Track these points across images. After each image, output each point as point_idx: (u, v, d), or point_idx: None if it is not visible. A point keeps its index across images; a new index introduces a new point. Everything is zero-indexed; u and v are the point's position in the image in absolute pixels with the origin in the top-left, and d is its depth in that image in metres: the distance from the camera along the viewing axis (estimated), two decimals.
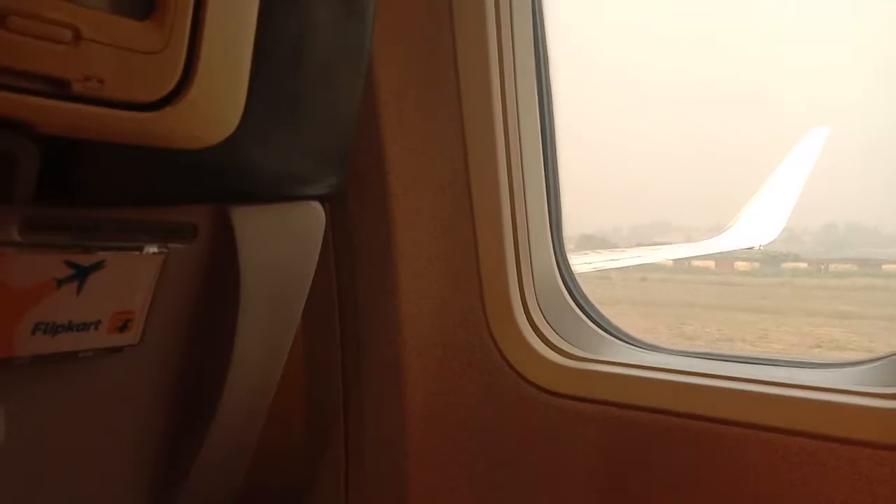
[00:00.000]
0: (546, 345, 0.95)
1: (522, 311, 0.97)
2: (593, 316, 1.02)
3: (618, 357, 0.93)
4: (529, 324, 0.97)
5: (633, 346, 0.98)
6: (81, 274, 0.66)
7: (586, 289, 1.05)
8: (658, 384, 0.85)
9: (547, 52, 1.06)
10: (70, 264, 0.65)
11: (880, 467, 0.72)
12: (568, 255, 1.08)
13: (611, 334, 1.00)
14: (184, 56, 0.61)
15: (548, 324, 0.98)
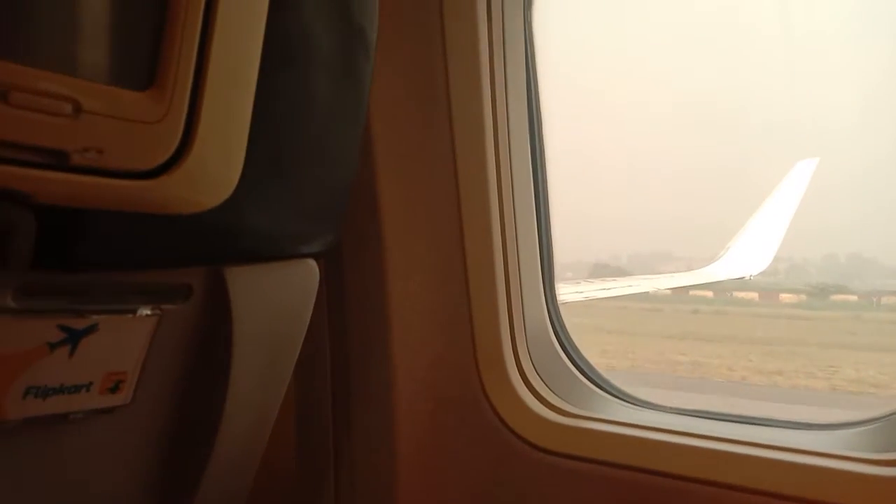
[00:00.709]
0: (539, 400, 0.95)
1: (515, 366, 0.97)
2: (586, 371, 1.02)
3: (611, 414, 0.93)
4: (522, 379, 0.97)
5: (626, 403, 0.98)
6: (74, 338, 0.66)
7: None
8: (650, 444, 0.85)
9: (540, 110, 1.07)
10: (63, 328, 0.65)
11: None
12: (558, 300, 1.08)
13: (604, 390, 1.00)
14: (182, 124, 0.62)
15: (541, 379, 0.98)
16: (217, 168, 0.66)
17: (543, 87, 1.12)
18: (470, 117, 0.97)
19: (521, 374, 0.97)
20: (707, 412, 0.92)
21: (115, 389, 0.72)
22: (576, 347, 1.04)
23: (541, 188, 1.08)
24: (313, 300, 0.83)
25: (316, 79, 0.73)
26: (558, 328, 1.04)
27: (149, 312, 0.70)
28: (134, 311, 0.69)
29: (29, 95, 0.52)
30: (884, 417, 0.83)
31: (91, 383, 0.69)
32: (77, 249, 0.61)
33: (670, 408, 0.95)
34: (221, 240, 0.70)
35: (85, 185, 0.57)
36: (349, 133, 0.79)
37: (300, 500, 1.05)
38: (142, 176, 0.61)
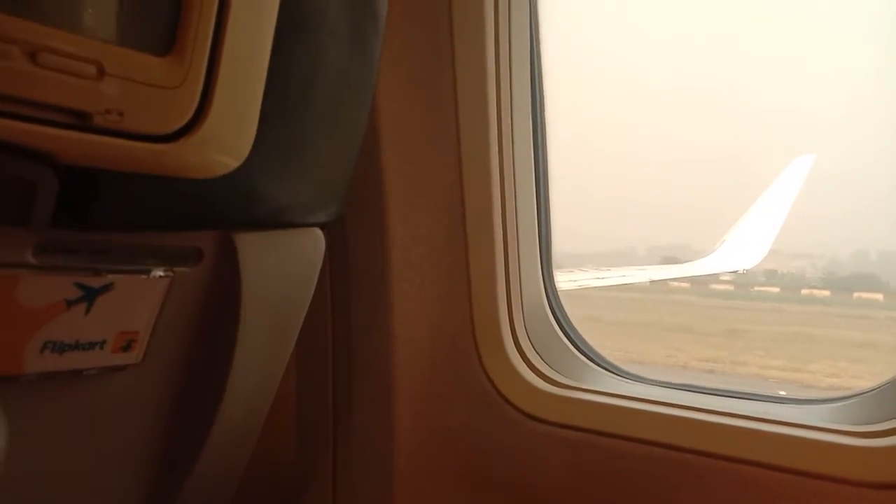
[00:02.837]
0: (533, 371, 0.98)
1: (511, 338, 1.00)
2: (580, 345, 1.05)
3: (602, 386, 0.96)
4: (518, 350, 1.00)
5: (617, 376, 1.02)
6: (90, 295, 0.68)
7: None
8: (639, 414, 0.88)
9: (543, 89, 1.09)
10: (80, 286, 0.67)
11: (846, 502, 0.76)
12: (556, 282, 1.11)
13: (596, 363, 1.04)
14: (200, 91, 0.64)
15: (535, 351, 1.01)
16: (231, 135, 0.68)
17: (547, 70, 1.14)
18: (474, 95, 1.00)
19: (516, 346, 1.00)
20: (695, 386, 0.95)
21: (127, 348, 0.74)
22: (570, 322, 1.07)
23: (541, 168, 1.10)
24: (319, 268, 0.86)
25: (327, 49, 0.75)
26: (554, 303, 1.07)
27: (161, 274, 0.73)
28: (147, 272, 0.72)
29: (55, 57, 0.55)
30: (863, 393, 0.87)
31: (105, 341, 0.72)
32: (95, 209, 0.63)
33: (660, 381, 0.98)
34: (233, 205, 0.73)
35: (105, 146, 0.60)
36: (358, 104, 0.81)
37: (299, 462, 1.08)
38: (159, 140, 0.63)
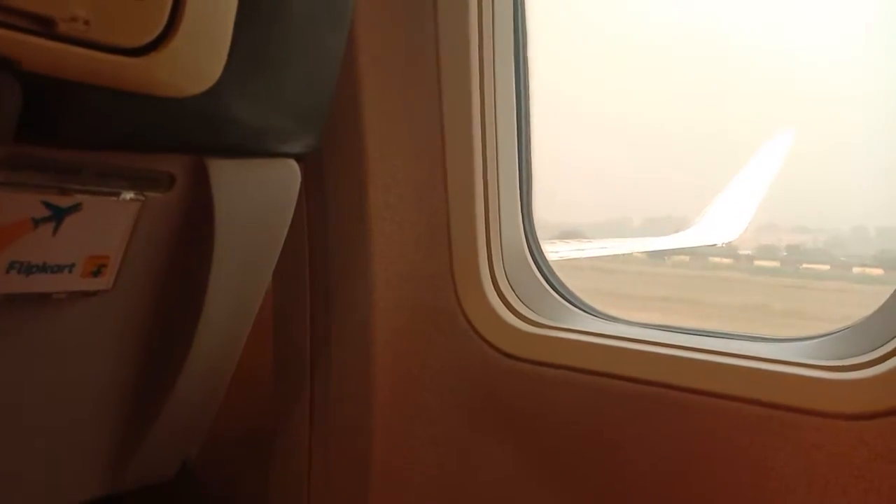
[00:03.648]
0: (511, 312, 0.98)
1: (489, 279, 1.00)
2: (558, 287, 1.05)
3: (579, 326, 0.97)
4: (496, 291, 1.00)
5: (594, 316, 1.02)
6: (58, 215, 0.67)
7: None
8: (615, 351, 0.89)
9: (526, 28, 1.08)
10: (47, 205, 0.66)
11: (818, 433, 0.77)
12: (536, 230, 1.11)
13: (574, 305, 1.04)
14: (170, 4, 0.62)
15: (513, 292, 1.01)
16: (201, 54, 0.67)
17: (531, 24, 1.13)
18: (456, 36, 0.98)
19: (494, 286, 1.00)
20: (671, 326, 0.95)
21: (97, 273, 0.73)
22: (549, 264, 1.06)
23: (523, 114, 1.09)
24: (294, 201, 0.85)
25: None
26: (532, 245, 1.07)
27: (132, 197, 0.71)
28: (118, 195, 0.70)
29: None
30: (834, 332, 0.88)
31: (73, 264, 0.71)
32: (63, 124, 0.62)
33: (637, 322, 0.99)
34: (204, 128, 0.71)
35: (70, 55, 0.58)
36: (334, 29, 0.80)
37: (275, 398, 1.08)
38: (127, 53, 0.61)
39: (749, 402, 0.80)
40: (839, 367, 0.80)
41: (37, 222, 0.66)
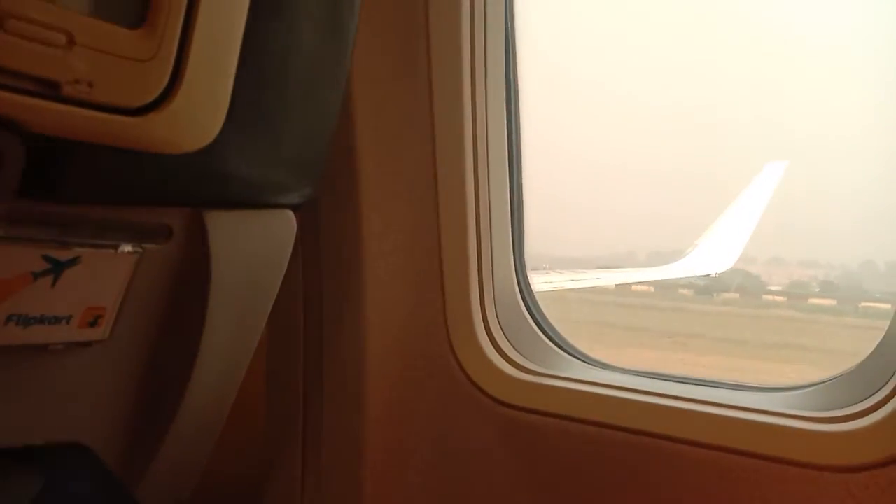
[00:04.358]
0: (504, 359, 0.99)
1: (482, 326, 1.01)
2: (549, 333, 1.07)
3: (571, 373, 0.97)
4: (489, 338, 1.01)
5: (585, 363, 1.03)
6: (57, 269, 0.68)
7: None
8: (607, 400, 0.90)
9: (517, 79, 1.10)
10: (47, 259, 0.67)
11: (808, 486, 0.77)
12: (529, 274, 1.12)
13: (566, 351, 1.05)
14: (171, 65, 0.64)
15: (506, 339, 1.02)
16: (202, 111, 0.68)
17: (522, 72, 1.15)
18: (449, 84, 1.00)
19: (487, 333, 1.01)
20: (662, 374, 0.96)
21: (94, 324, 0.74)
22: (541, 311, 1.08)
23: (515, 158, 1.11)
24: (290, 251, 0.86)
25: (302, 29, 0.75)
26: (525, 292, 1.08)
27: (130, 249, 0.73)
28: (116, 248, 0.71)
29: (25, 24, 0.54)
30: (822, 382, 0.89)
31: (71, 316, 0.71)
32: (64, 181, 0.63)
33: (628, 369, 0.99)
34: (203, 183, 0.73)
35: (75, 116, 0.60)
36: (331, 86, 0.81)
37: (267, 448, 1.08)
38: (129, 113, 0.63)
39: (740, 454, 0.81)
40: (828, 418, 0.81)
41: (36, 276, 0.67)
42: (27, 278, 0.66)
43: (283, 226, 0.84)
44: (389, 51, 1.00)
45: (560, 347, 1.05)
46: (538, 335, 1.06)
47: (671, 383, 0.93)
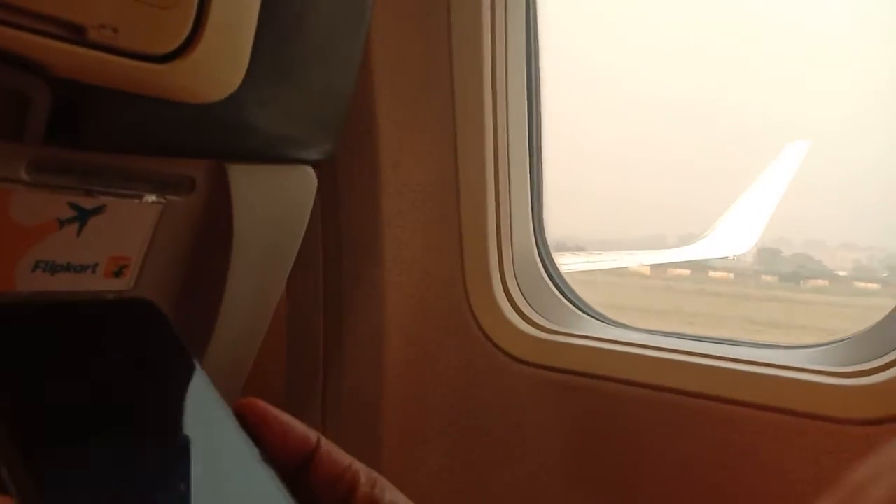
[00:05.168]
0: (521, 317, 1.00)
1: (500, 284, 1.01)
2: (567, 293, 1.07)
3: (589, 332, 0.98)
4: (506, 296, 1.01)
5: (602, 322, 1.03)
6: (83, 216, 0.69)
7: None
8: (623, 357, 0.90)
9: (538, 44, 1.10)
10: (73, 206, 0.68)
11: (828, 438, 0.77)
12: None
13: (583, 311, 1.05)
14: (193, 13, 0.64)
15: (524, 298, 1.03)
16: (223, 62, 0.69)
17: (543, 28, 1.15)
18: (469, 43, 1.00)
19: (505, 292, 1.01)
20: (680, 333, 0.96)
21: (119, 274, 0.75)
22: (559, 271, 1.08)
23: (534, 122, 1.11)
24: (310, 207, 0.86)
25: None
26: (543, 252, 1.08)
27: (154, 199, 0.73)
28: (140, 197, 0.72)
29: None
30: (843, 339, 0.88)
31: (97, 264, 0.72)
32: (88, 128, 0.64)
33: (646, 329, 1.00)
34: (224, 134, 0.73)
35: (99, 61, 0.60)
36: (351, 43, 0.82)
37: (287, 405, 1.09)
38: (152, 60, 0.63)
39: (760, 409, 0.81)
40: (848, 372, 0.80)
41: (62, 223, 0.68)
42: (53, 225, 0.67)
43: (303, 181, 0.85)
44: (408, 9, 1.00)
45: (577, 307, 1.05)
46: (556, 295, 1.06)
47: (691, 341, 0.93)
